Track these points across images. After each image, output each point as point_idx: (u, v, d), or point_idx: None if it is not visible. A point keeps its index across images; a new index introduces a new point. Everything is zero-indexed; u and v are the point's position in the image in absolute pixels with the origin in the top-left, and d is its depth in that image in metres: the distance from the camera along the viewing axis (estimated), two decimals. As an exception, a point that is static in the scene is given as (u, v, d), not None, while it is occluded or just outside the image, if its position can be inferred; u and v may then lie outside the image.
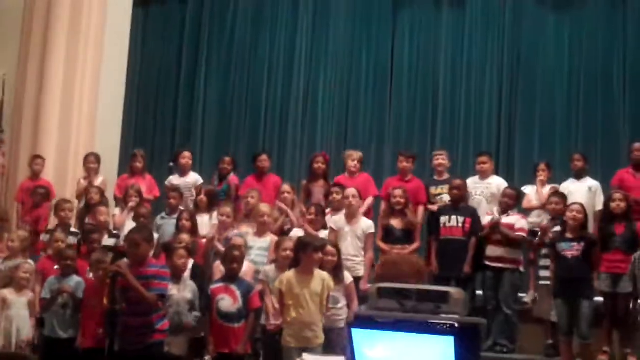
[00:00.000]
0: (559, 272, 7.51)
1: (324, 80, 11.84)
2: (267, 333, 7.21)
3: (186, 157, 9.79)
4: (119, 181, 9.86)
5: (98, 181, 9.57)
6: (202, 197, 8.85)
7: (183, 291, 7.01)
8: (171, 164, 10.13)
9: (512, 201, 8.39)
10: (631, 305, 7.43)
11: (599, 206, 8.64)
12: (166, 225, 8.69)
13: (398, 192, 8.41)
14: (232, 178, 9.61)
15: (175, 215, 8.58)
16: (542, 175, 9.02)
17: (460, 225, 8.26)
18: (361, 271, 7.95)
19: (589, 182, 8.91)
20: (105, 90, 10.96)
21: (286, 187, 9.01)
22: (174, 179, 9.68)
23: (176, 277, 6.90)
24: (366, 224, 8.20)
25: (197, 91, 12.11)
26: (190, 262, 7.55)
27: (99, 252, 7.25)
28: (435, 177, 9.22)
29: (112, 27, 11.10)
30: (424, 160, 9.78)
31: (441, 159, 9.21)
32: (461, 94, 11.30)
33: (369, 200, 8.88)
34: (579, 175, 8.96)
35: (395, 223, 8.33)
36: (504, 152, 10.58)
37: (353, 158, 9.26)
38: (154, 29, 12.36)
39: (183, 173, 9.71)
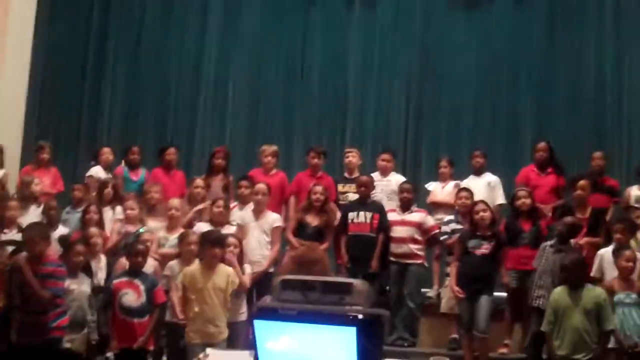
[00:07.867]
0: (465, 269, 7.60)
1: (234, 76, 11.75)
2: (172, 329, 7.12)
3: (105, 153, 9.67)
4: (22, 174, 9.55)
5: (0, 174, 9.32)
6: (109, 190, 8.67)
7: (81, 285, 6.86)
8: (92, 162, 9.87)
9: (410, 195, 8.48)
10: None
11: (498, 200, 8.89)
12: (71, 219, 8.52)
13: (319, 188, 8.35)
14: (147, 173, 9.48)
15: (80, 209, 8.41)
16: (444, 171, 9.18)
17: (368, 221, 8.29)
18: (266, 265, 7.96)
19: (488, 177, 9.10)
20: (8, 81, 10.74)
21: (199, 181, 8.89)
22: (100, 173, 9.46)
23: (73, 272, 6.74)
24: (272, 218, 8.21)
25: (103, 84, 11.86)
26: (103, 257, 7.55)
27: (-1, 247, 7.04)
28: (346, 175, 9.24)
29: (16, 14, 10.84)
30: (334, 157, 9.78)
31: (351, 156, 9.24)
32: (370, 92, 11.37)
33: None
34: (479, 172, 9.14)
35: (310, 219, 8.28)
36: (411, 151, 10.71)
37: (266, 154, 9.18)
38: (60, 17, 11.96)
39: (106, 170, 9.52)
